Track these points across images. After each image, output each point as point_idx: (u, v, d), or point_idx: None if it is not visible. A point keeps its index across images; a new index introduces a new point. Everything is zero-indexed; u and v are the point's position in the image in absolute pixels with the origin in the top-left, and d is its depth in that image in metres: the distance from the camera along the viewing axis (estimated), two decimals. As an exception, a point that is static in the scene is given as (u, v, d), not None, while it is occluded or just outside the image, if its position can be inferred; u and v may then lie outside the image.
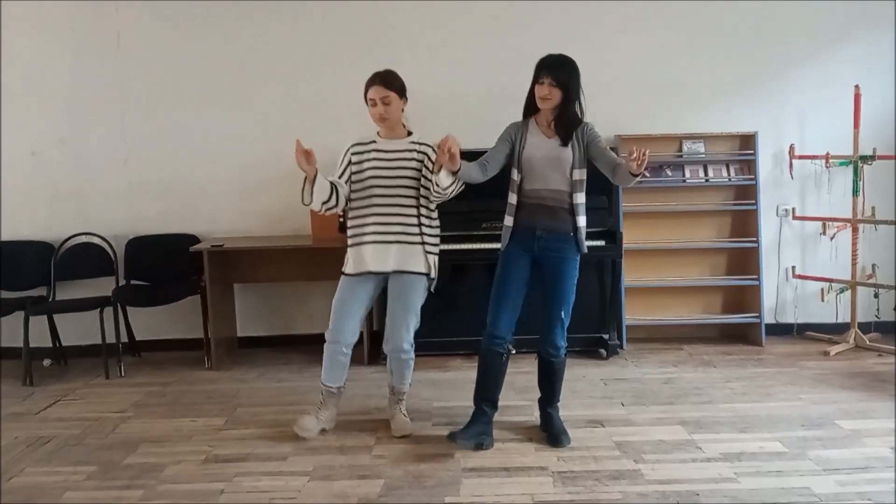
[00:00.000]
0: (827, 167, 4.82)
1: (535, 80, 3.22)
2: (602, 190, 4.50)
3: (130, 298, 4.76)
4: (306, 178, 3.18)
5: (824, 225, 4.80)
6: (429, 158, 3.31)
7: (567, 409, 3.71)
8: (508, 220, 3.30)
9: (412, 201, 3.33)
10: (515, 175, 3.27)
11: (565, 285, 3.27)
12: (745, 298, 4.95)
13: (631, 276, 4.87)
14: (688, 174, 4.90)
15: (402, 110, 3.38)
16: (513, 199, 3.29)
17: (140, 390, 4.25)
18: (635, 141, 4.77)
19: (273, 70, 4.89)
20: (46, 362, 4.80)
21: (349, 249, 3.40)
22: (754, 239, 4.83)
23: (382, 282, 3.42)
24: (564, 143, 3.22)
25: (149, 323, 4.95)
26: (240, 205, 4.96)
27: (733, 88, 4.92)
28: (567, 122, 3.22)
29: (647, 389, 4.03)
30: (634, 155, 2.97)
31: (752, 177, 4.85)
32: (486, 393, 3.37)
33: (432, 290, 3.46)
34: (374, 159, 3.33)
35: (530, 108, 3.31)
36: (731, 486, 2.88)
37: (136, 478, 3.10)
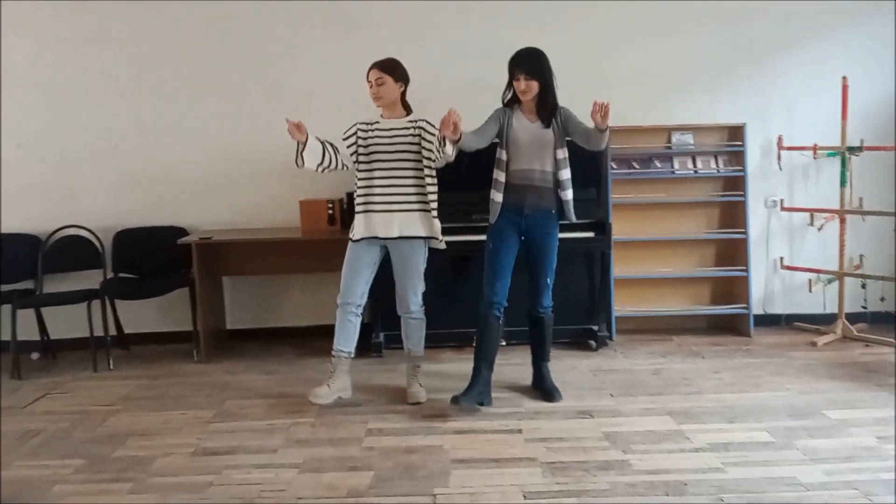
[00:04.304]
0: (815, 158, 4.84)
1: (512, 77, 3.58)
2: (591, 182, 4.52)
3: (118, 291, 4.73)
4: (298, 144, 3.50)
5: (812, 216, 4.82)
6: (426, 131, 3.61)
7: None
8: (497, 196, 3.62)
9: (412, 172, 3.64)
10: (503, 155, 3.61)
11: (549, 256, 3.68)
12: (733, 289, 4.97)
13: (620, 267, 4.88)
14: (676, 165, 4.91)
15: (403, 94, 3.70)
16: (500, 176, 3.62)
17: (129, 383, 4.24)
18: (625, 133, 4.81)
19: (260, 61, 4.86)
20: (34, 355, 4.78)
21: (357, 216, 3.68)
22: (742, 230, 4.85)
23: (384, 249, 3.71)
24: (546, 126, 3.58)
25: (137, 316, 4.92)
26: (228, 197, 4.94)
27: (722, 80, 4.92)
28: (549, 107, 3.58)
29: (635, 380, 4.04)
30: (594, 109, 3.26)
31: (741, 168, 4.86)
32: (487, 355, 3.67)
33: (443, 246, 3.73)
34: (377, 136, 3.65)
35: (514, 99, 3.65)
36: (719, 476, 2.89)
37: (124, 471, 3.10)
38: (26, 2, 4.74)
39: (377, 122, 3.69)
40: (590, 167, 4.53)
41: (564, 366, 4.25)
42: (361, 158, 3.67)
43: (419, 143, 3.63)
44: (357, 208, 3.69)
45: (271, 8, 4.82)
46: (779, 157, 4.90)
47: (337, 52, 4.82)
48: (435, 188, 3.66)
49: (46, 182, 4.88)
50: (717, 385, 3.93)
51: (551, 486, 2.86)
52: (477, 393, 3.59)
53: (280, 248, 4.70)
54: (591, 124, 3.47)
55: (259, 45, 4.86)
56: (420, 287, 3.72)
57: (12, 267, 4.75)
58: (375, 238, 3.65)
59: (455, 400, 3.50)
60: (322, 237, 4.55)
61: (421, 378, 3.86)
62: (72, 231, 4.85)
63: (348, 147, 3.66)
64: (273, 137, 4.75)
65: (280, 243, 4.66)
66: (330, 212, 4.62)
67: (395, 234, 3.62)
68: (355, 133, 3.68)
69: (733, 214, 4.94)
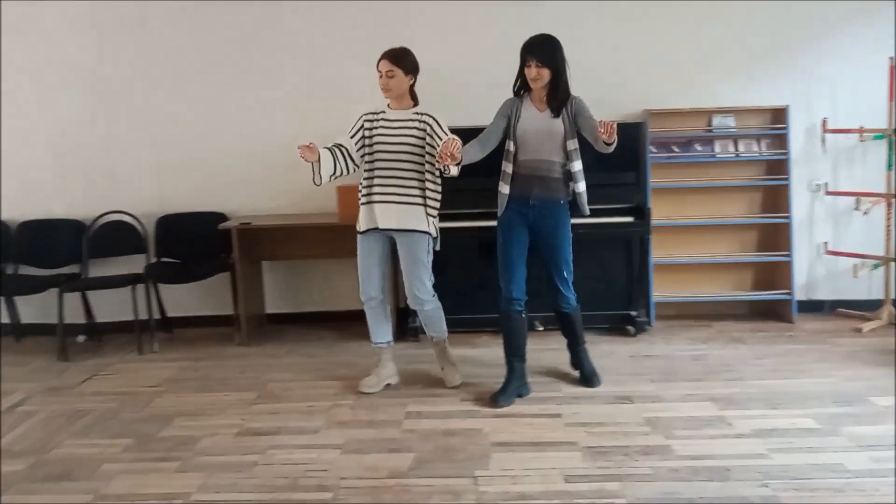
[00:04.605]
0: (861, 141, 4.72)
1: (523, 64, 3.45)
2: (630, 166, 4.47)
3: (162, 275, 4.82)
4: (313, 165, 3.50)
5: (858, 200, 4.71)
6: (433, 129, 3.53)
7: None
8: (504, 188, 3.55)
9: (414, 165, 3.56)
10: (511, 146, 3.52)
11: (561, 249, 3.56)
12: (775, 275, 4.89)
13: (659, 252, 4.81)
14: (718, 149, 4.83)
15: (412, 85, 3.61)
16: (508, 167, 3.54)
17: (173, 365, 4.32)
18: (665, 116, 4.74)
19: (299, 49, 4.88)
20: (80, 338, 4.89)
21: (361, 208, 3.64)
22: (786, 214, 4.76)
23: (391, 240, 3.66)
24: (556, 115, 3.45)
25: (180, 300, 5.01)
26: (267, 183, 4.98)
27: (764, 62, 4.82)
28: (559, 96, 3.45)
29: (676, 366, 4.00)
30: (601, 129, 3.15)
31: (784, 151, 4.77)
32: (516, 349, 3.64)
33: (437, 248, 3.67)
34: (382, 128, 3.59)
35: (524, 87, 3.53)
36: (763, 462, 2.87)
37: (171, 450, 3.17)
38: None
39: (383, 113, 3.63)
40: (629, 151, 4.48)
41: (603, 351, 4.23)
42: (366, 150, 3.61)
43: (423, 138, 3.55)
44: (360, 200, 3.64)
45: (311, -3, 4.84)
46: (823, 140, 4.79)
47: (372, 42, 4.76)
48: (436, 187, 3.59)
49: (90, 168, 4.98)
50: (760, 371, 3.88)
51: (593, 469, 2.86)
52: (514, 388, 3.59)
53: (318, 233, 4.73)
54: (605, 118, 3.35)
55: (299, 34, 4.87)
56: (427, 278, 3.64)
57: (58, 251, 4.86)
58: (377, 229, 3.60)
59: (494, 400, 3.51)
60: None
61: (454, 360, 3.86)
62: (115, 216, 4.94)
63: (356, 143, 3.60)
64: (311, 124, 4.80)
65: (318, 228, 4.69)
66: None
67: (394, 226, 3.57)
68: (361, 126, 3.61)
69: (776, 198, 4.85)
